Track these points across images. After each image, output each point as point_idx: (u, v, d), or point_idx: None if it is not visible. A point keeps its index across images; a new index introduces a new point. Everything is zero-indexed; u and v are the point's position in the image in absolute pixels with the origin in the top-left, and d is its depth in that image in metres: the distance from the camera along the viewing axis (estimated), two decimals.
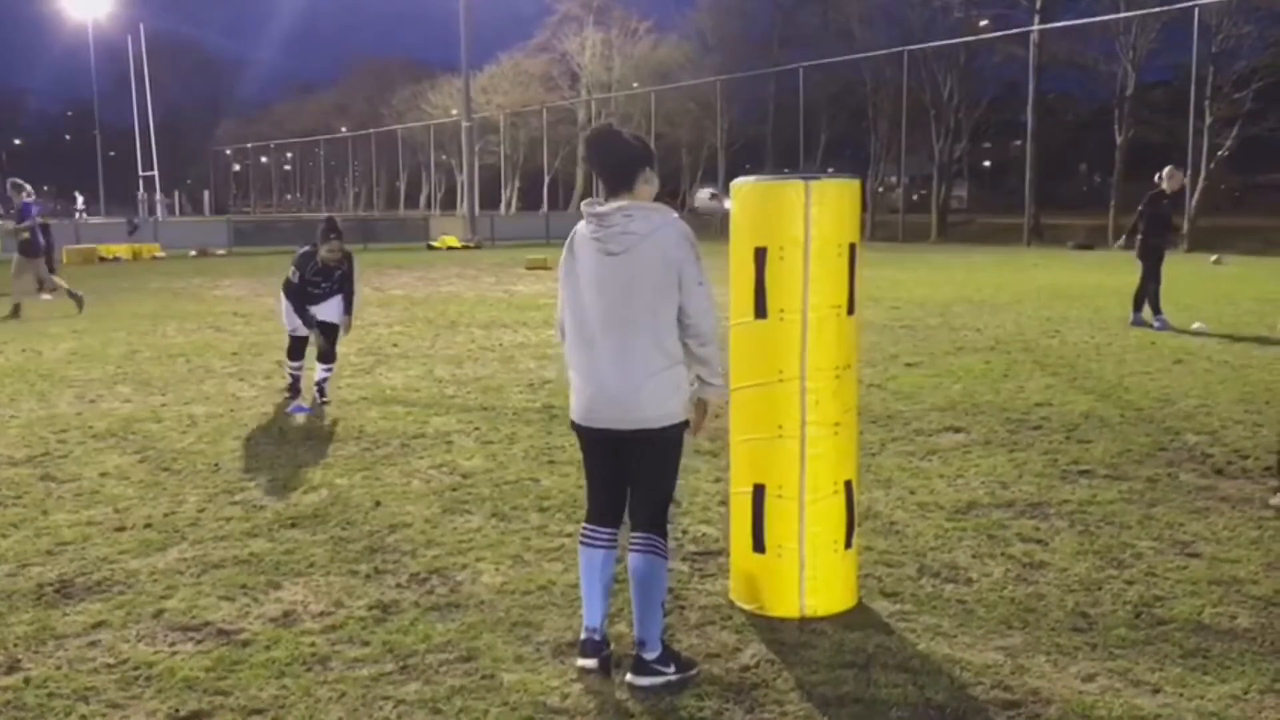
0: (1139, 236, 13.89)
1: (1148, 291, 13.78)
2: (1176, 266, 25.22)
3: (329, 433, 8.15)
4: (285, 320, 9.38)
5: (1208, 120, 34.63)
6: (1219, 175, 38.16)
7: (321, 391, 9.21)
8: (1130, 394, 9.21)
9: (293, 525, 5.78)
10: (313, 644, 4.22)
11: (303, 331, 9.21)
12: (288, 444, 7.76)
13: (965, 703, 3.70)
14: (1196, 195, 34.12)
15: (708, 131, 53.88)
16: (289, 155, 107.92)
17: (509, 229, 44.01)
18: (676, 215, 3.89)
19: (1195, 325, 13.41)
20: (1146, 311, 13.75)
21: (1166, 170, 14.07)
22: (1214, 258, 26.10)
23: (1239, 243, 28.95)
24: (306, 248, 9.01)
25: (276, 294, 9.96)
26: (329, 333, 9.18)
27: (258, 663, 4.06)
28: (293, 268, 8.96)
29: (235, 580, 4.94)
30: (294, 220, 46.92)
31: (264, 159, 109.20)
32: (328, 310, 9.12)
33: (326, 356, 9.20)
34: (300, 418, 8.65)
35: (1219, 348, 11.73)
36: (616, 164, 3.88)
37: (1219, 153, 35.86)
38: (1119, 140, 38.23)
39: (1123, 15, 36.68)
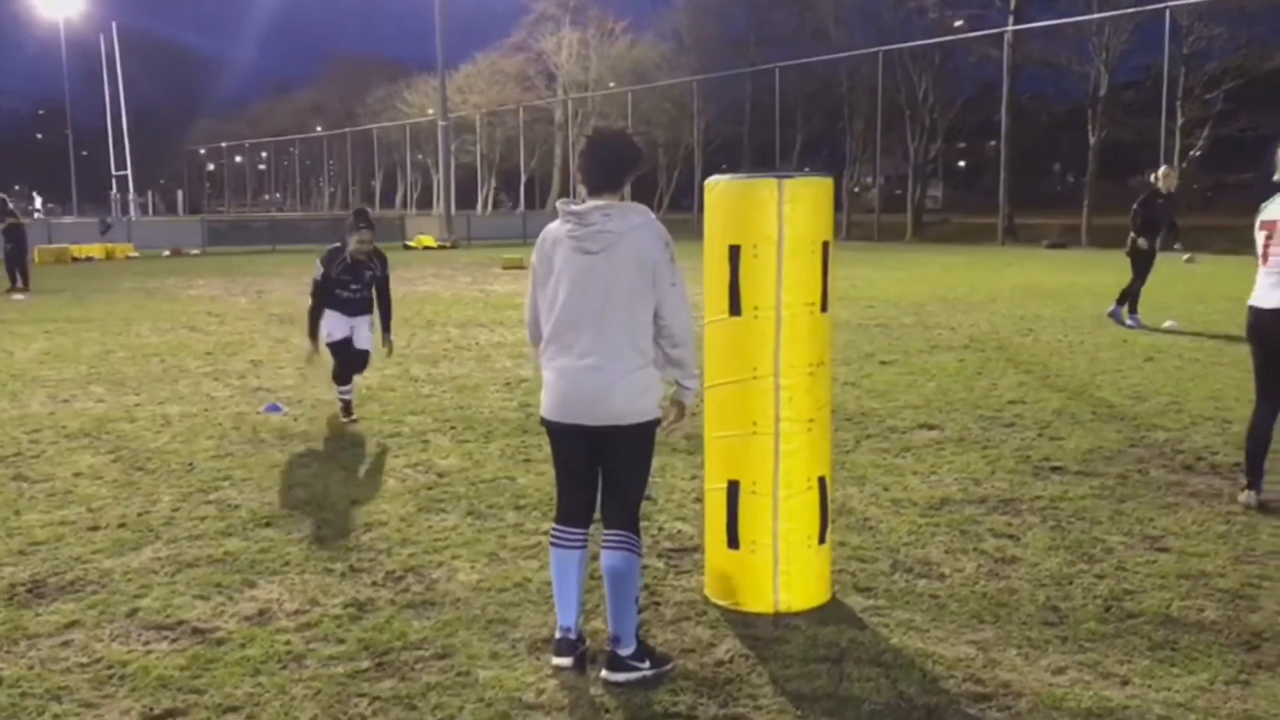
0: (1131, 235, 13.81)
1: (1135, 289, 13.73)
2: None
3: (304, 432, 8.12)
4: (323, 332, 8.33)
5: (1179, 121, 34.96)
6: (1191, 175, 38.53)
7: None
8: (1102, 391, 9.30)
9: (267, 524, 5.77)
10: (288, 642, 4.22)
11: (340, 334, 8.28)
12: (262, 443, 7.73)
13: (937, 696, 3.74)
14: None
15: (684, 131, 53.96)
16: (264, 155, 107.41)
17: (485, 228, 43.96)
18: (653, 215, 3.91)
19: (1167, 323, 13.54)
20: (1125, 309, 13.82)
21: (1162, 170, 13.99)
22: (1186, 256, 26.33)
23: (1211, 242, 29.19)
24: (335, 244, 8.29)
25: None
26: (357, 359, 8.38)
27: (232, 661, 4.05)
28: (318, 263, 8.19)
29: (210, 579, 4.93)
30: (269, 220, 46.65)
31: (239, 158, 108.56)
32: (360, 333, 8.37)
33: (342, 377, 8.40)
34: (277, 417, 8.62)
35: (1190, 345, 11.85)
36: (617, 163, 3.89)
37: (1191, 153, 36.22)
38: (1092, 140, 38.52)
39: (1096, 16, 36.96)
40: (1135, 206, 13.86)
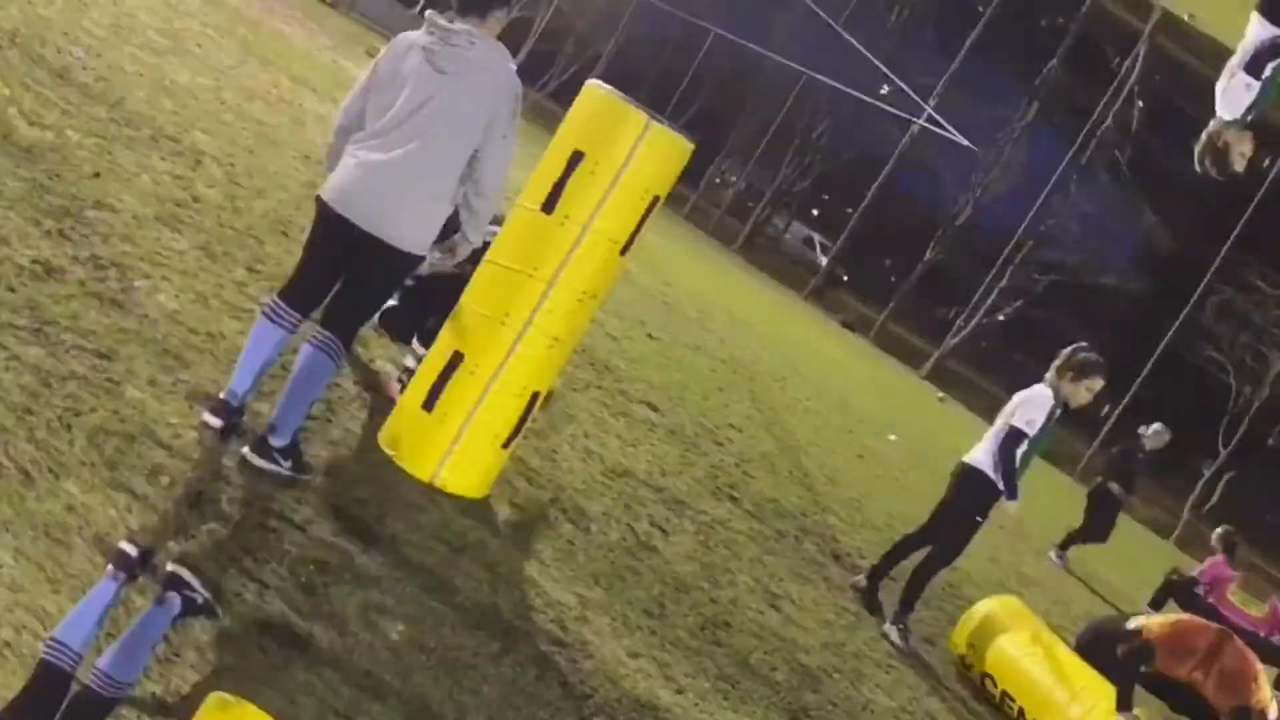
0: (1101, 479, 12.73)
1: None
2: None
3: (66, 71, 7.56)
4: None
5: None
6: None
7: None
8: (808, 459, 9.87)
9: None
10: None
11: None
12: None
13: (524, 620, 3.94)
14: None
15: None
16: None
17: (377, 8, 41.71)
18: (513, 65, 3.89)
19: (891, 438, 14.45)
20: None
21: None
22: (940, 396, 28.18)
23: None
24: None
25: None
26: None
27: None
28: None
29: None
30: None
31: None
32: None
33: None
34: None
35: (899, 462, 12.69)
36: None
37: None
38: None
39: None
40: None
